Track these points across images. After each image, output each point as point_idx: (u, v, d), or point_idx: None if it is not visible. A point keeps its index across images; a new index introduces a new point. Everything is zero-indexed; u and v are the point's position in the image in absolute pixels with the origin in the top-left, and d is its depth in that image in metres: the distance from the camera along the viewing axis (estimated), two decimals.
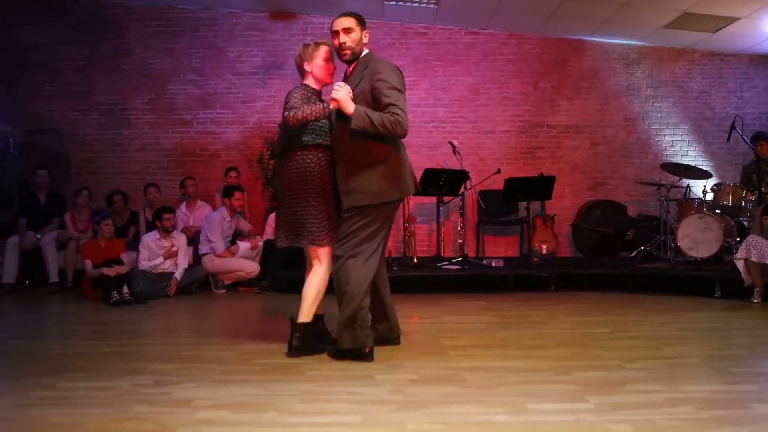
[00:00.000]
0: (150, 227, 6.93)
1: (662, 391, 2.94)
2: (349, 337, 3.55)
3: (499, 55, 8.52)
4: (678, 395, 2.87)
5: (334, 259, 3.58)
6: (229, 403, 2.85)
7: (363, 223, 3.52)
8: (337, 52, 3.64)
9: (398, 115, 3.39)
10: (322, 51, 3.72)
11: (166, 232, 6.49)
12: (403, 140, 3.65)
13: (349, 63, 3.67)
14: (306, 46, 3.75)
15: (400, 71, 3.58)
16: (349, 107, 3.41)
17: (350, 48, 3.58)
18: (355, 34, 3.58)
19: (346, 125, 3.48)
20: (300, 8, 8.23)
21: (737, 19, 7.35)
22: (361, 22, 3.64)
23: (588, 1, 7.22)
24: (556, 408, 2.73)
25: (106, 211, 6.91)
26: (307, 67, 3.73)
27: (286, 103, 3.60)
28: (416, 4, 7.77)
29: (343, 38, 3.57)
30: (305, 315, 3.67)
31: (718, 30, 7.74)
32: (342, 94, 3.43)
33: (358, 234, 3.52)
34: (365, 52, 3.66)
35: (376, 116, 3.39)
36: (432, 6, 7.78)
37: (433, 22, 8.35)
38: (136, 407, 2.80)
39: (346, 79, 3.66)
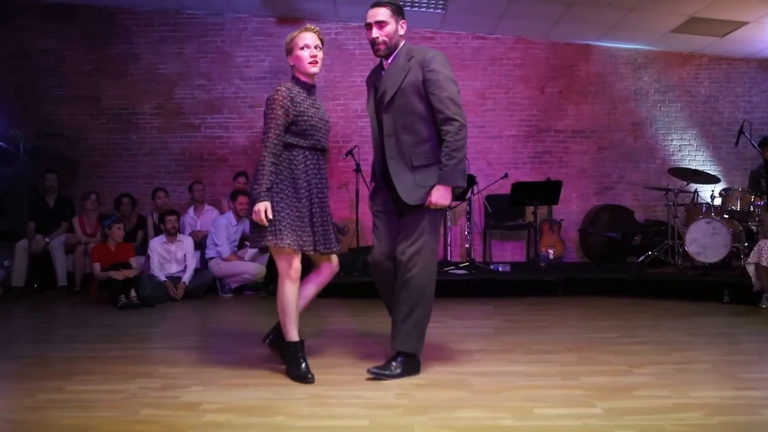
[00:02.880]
0: (158, 231, 6.95)
1: (671, 396, 2.93)
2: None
3: (506, 60, 8.52)
4: (687, 401, 2.86)
5: (399, 262, 3.33)
6: (237, 406, 2.85)
7: (429, 219, 3.34)
8: (371, 46, 3.37)
9: (456, 132, 3.21)
10: (298, 39, 3.37)
11: (171, 235, 6.52)
12: None
13: (385, 58, 3.40)
14: (291, 34, 3.44)
15: (448, 60, 3.34)
16: (447, 192, 3.26)
17: (384, 42, 3.32)
18: (390, 27, 3.32)
19: (393, 120, 3.33)
20: (307, 14, 8.25)
21: (745, 23, 7.33)
22: (397, 12, 3.36)
23: (595, 6, 7.22)
24: (563, 413, 2.72)
25: (115, 215, 6.92)
26: (290, 60, 3.43)
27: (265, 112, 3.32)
28: (423, 9, 7.78)
29: (375, 33, 3.31)
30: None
31: (725, 34, 7.73)
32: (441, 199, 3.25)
33: (425, 231, 3.32)
34: (402, 43, 3.40)
35: (451, 162, 3.21)
36: (439, 11, 7.79)
37: (440, 27, 8.36)
38: (144, 410, 2.81)
39: (380, 72, 3.43)
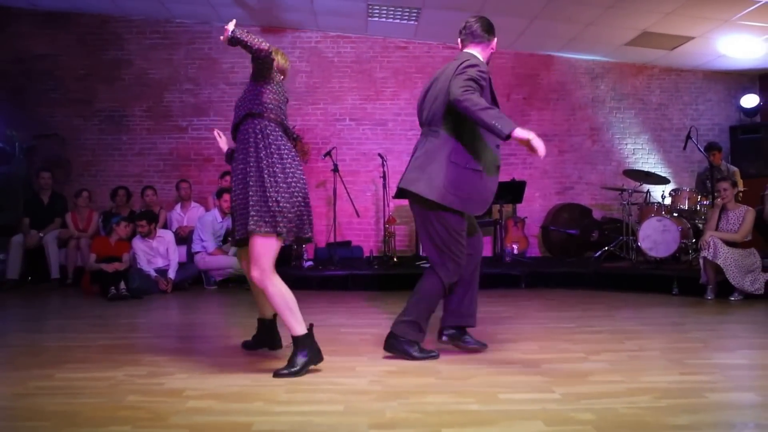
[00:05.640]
0: None
1: (623, 381, 2.94)
2: None
3: None
4: (638, 385, 2.87)
5: None
6: (218, 393, 2.80)
7: None
8: None
9: None
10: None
11: (145, 237, 6.39)
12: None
13: None
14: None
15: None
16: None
17: None
18: None
19: None
20: (289, 23, 8.18)
21: (692, 38, 7.41)
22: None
23: (555, 20, 7.25)
24: (524, 398, 2.71)
25: (120, 215, 6.77)
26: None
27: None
28: (398, 21, 7.74)
29: None
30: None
31: (674, 48, 7.81)
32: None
33: None
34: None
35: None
36: (412, 22, 7.77)
37: (414, 37, 8.34)
38: (130, 397, 2.75)
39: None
